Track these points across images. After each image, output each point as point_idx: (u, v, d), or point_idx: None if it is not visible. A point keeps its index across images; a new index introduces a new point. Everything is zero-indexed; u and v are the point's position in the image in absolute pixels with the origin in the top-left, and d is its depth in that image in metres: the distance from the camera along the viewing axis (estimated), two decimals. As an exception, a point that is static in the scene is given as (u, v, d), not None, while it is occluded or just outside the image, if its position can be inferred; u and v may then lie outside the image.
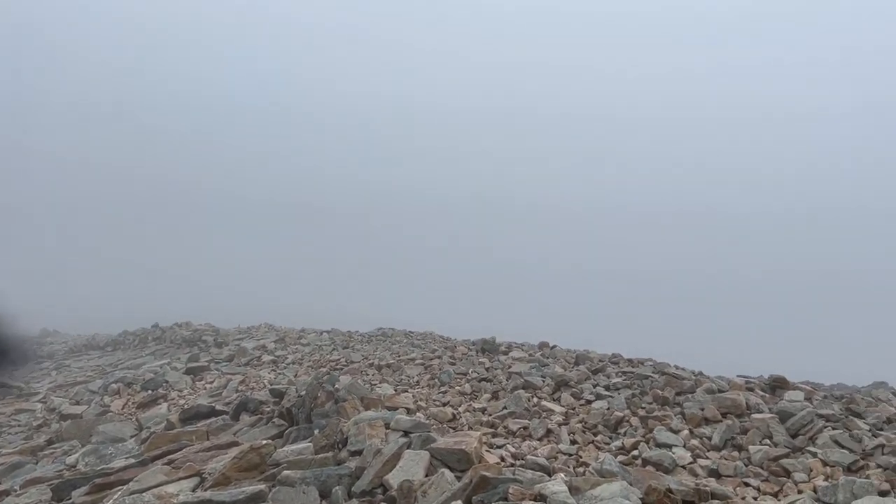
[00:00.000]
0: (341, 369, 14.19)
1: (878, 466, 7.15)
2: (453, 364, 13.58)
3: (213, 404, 11.85)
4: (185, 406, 12.62)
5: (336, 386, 10.06)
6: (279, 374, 15.11)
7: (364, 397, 9.53)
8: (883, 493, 6.48)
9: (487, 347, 14.89)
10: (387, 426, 7.65)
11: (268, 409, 11.00)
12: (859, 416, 9.26)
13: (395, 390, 11.71)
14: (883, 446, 7.57)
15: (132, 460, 8.59)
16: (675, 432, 8.71)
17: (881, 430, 8.63)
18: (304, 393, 9.95)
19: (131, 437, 11.39)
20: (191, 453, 8.25)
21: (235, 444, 8.47)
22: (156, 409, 13.05)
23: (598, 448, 8.67)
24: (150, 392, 14.55)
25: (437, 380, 12.60)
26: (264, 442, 7.45)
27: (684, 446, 8.28)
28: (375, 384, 12.26)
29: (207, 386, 14.81)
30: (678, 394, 10.36)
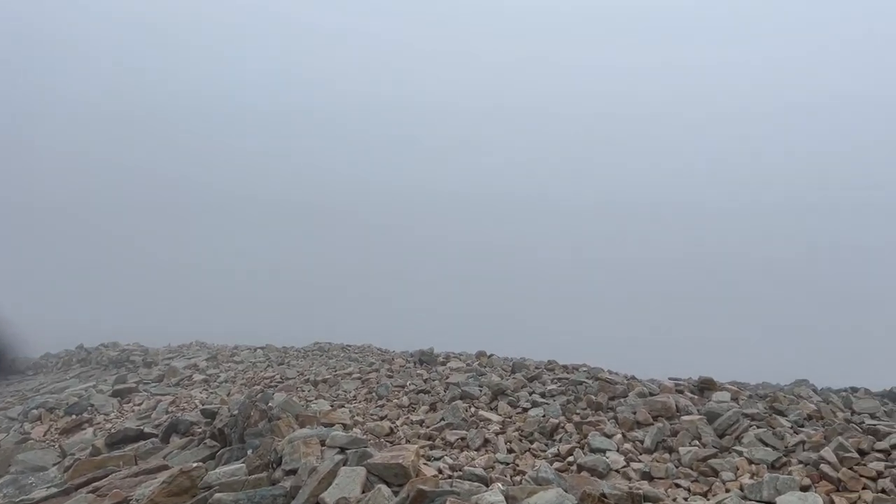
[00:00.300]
0: (276, 386, 13.91)
1: (800, 462, 7.44)
2: (391, 377, 13.50)
3: (142, 427, 11.43)
4: (112, 430, 12.12)
5: (270, 404, 9.87)
6: (211, 393, 14.70)
7: (299, 414, 9.38)
8: (804, 488, 6.75)
9: (425, 359, 14.88)
10: (322, 443, 7.54)
11: (199, 430, 10.69)
12: (782, 413, 9.64)
13: (332, 406, 11.56)
14: (804, 442, 7.89)
15: (54, 489, 8.20)
16: (609, 437, 8.88)
17: (802, 426, 9.00)
18: (236, 412, 9.71)
19: (54, 464, 10.87)
20: (117, 479, 7.93)
21: (165, 467, 8.19)
22: (80, 435, 12.50)
23: (535, 456, 8.76)
24: (74, 417, 13.92)
25: (374, 393, 12.50)
26: (195, 464, 7.23)
27: (618, 450, 8.45)
28: (311, 400, 12.07)
29: (136, 408, 14.27)
30: (611, 399, 10.57)
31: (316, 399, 12.28)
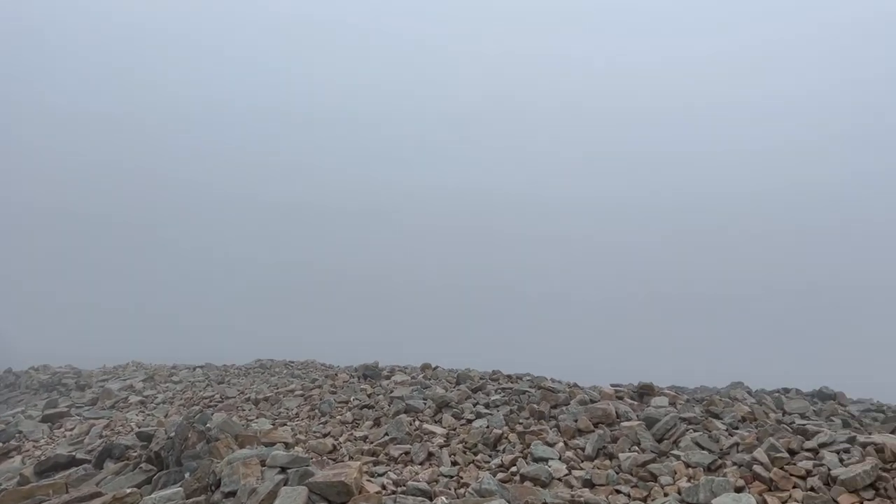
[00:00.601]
0: (215, 406, 13.61)
1: (734, 464, 7.65)
2: (334, 393, 13.35)
3: (74, 453, 11.00)
4: (42, 457, 11.62)
5: (208, 424, 9.62)
6: (148, 415, 14.26)
7: (238, 435, 9.17)
8: (738, 490, 6.95)
9: (369, 373, 14.77)
10: (262, 463, 7.39)
11: (135, 454, 10.35)
12: (717, 416, 9.92)
13: (273, 424, 11.37)
14: (738, 444, 8.12)
15: (-22, 523, 7.81)
16: (551, 445, 8.96)
17: (736, 428, 9.28)
18: (173, 434, 9.44)
19: (-22, 497, 10.35)
20: (46, 510, 7.60)
21: (98, 494, 7.88)
22: (7, 464, 11.95)
23: (479, 467, 8.78)
24: (0, 445, 13.31)
25: (317, 410, 12.33)
26: (129, 490, 7.00)
27: (560, 458, 8.54)
28: (252, 420, 11.84)
29: (67, 433, 13.73)
30: (554, 407, 10.69)
31: (257, 418, 12.06)
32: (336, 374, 15.16)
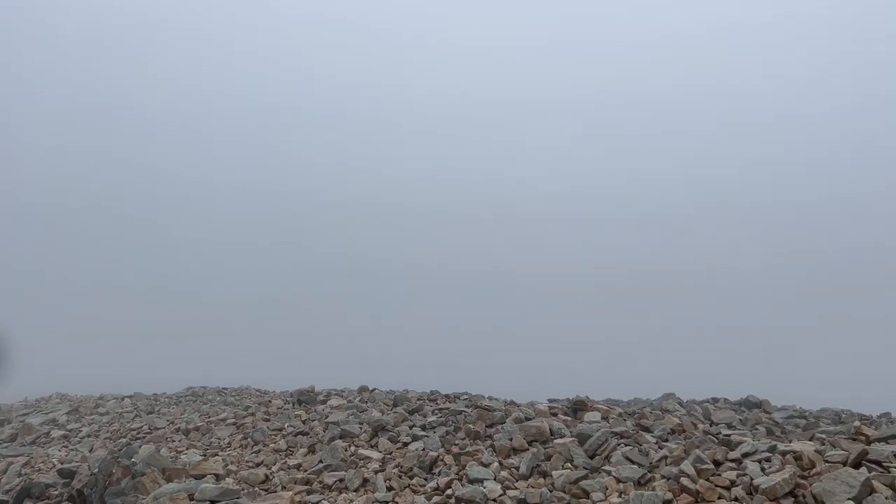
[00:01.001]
0: (143, 438, 13.14)
1: (663, 477, 7.80)
2: (268, 420, 13.07)
3: (-11, 495, 10.46)
4: (-46, 501, 11.00)
5: (133, 459, 9.29)
6: (72, 450, 13.65)
7: (166, 468, 8.89)
8: (667, 502, 7.11)
9: (304, 398, 14.53)
10: (191, 497, 7.20)
11: (56, 492, 9.91)
12: (648, 430, 10.13)
13: (204, 455, 11.02)
14: (666, 457, 8.30)
15: None
16: (486, 466, 8.97)
17: (666, 441, 9.50)
18: (97, 470, 9.10)
19: None
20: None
21: (12, 540, 7.52)
22: (-84, 510, 11.25)
23: (414, 491, 8.72)
24: None
25: (250, 439, 12.05)
26: (45, 535, 6.69)
27: (495, 479, 8.55)
28: (181, 451, 11.46)
29: (-16, 473, 13.03)
30: (489, 426, 10.73)
31: (187, 449, 11.70)
32: (270, 401, 14.85)
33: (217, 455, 11.20)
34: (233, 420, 13.46)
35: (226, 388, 19.34)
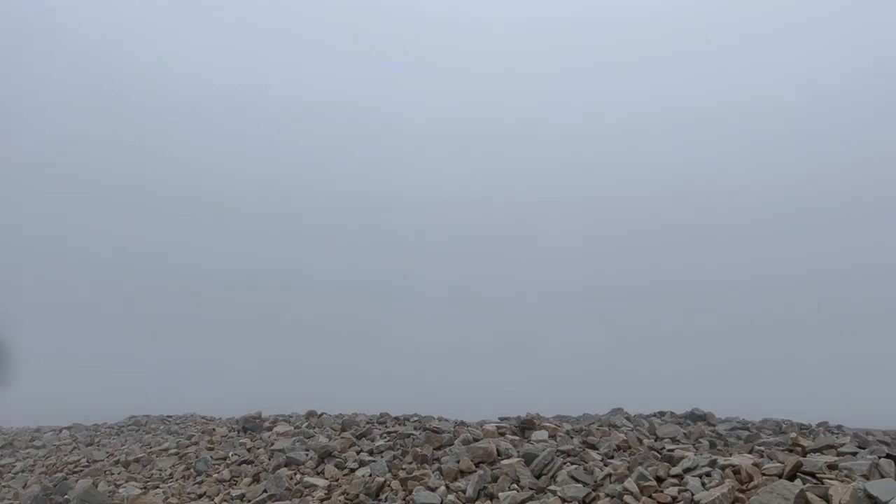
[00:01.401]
0: (81, 472, 12.62)
1: (607, 495, 7.84)
2: (212, 449, 12.73)
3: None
4: None
5: (67, 496, 8.93)
6: (4, 487, 13.04)
7: (102, 503, 8.56)
8: (607, 521, 7.15)
9: (250, 426, 14.20)
10: (124, 536, 6.91)
11: (-16, 535, 9.44)
12: (594, 447, 10.18)
13: (144, 488, 10.68)
14: (611, 475, 8.34)
15: None
16: (433, 490, 8.89)
17: (611, 458, 9.55)
18: (26, 511, 8.69)
19: None
20: None
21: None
22: None
23: (360, 519, 8.58)
24: None
25: (192, 469, 11.70)
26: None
27: (441, 503, 8.47)
28: (120, 484, 11.06)
29: None
30: (437, 448, 10.63)
31: (126, 482, 11.29)
32: (214, 429, 14.47)
33: (158, 487, 10.84)
34: (175, 450, 13.07)
35: (170, 417, 18.80)
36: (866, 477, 6.56)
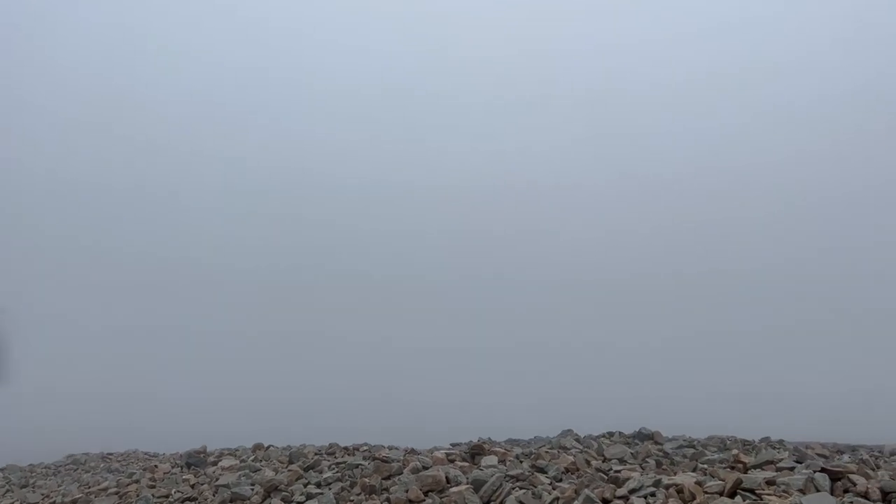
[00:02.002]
0: (13, 517, 12.09)
1: (555, 520, 7.87)
2: (153, 487, 12.30)
3: None
4: None
5: (-5, 545, 8.50)
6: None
7: (32, 552, 8.18)
8: (558, 545, 7.15)
9: (194, 461, 13.80)
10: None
11: None
12: (543, 470, 10.21)
13: (80, 532, 10.26)
14: (558, 499, 8.36)
15: None
16: (381, 522, 8.77)
17: (560, 481, 9.59)
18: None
19: None
20: None
21: None
22: None
23: (306, 555, 8.39)
24: None
25: (133, 509, 11.30)
26: None
27: (390, 535, 8.36)
28: (55, 529, 10.62)
29: None
30: (386, 478, 10.50)
31: (61, 526, 10.84)
32: (156, 466, 14.03)
33: (95, 531, 10.43)
34: (115, 489, 12.59)
35: (111, 454, 18.20)
36: (802, 492, 6.73)
